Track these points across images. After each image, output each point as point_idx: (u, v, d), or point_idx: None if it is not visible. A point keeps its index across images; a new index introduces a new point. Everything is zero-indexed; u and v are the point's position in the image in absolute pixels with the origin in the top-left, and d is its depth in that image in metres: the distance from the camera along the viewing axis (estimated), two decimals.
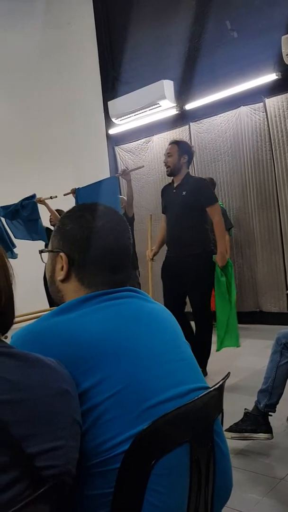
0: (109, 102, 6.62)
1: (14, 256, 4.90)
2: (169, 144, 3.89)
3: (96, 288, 1.06)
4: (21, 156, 6.07)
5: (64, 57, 6.76)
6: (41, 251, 1.24)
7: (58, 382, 0.82)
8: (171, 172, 3.85)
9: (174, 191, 3.86)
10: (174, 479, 0.92)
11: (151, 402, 0.94)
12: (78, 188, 4.86)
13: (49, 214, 5.12)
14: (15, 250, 5.00)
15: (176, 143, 3.89)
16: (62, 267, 1.09)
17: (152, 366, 0.99)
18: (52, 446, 0.75)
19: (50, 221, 5.29)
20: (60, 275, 1.09)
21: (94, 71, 6.89)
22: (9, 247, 4.94)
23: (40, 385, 0.78)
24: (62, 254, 1.09)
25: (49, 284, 1.16)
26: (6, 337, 0.86)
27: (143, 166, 5.45)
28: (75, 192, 4.82)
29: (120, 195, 4.78)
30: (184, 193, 3.76)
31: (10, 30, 6.18)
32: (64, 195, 4.93)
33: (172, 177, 3.91)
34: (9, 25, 6.21)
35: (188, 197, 3.72)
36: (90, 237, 1.07)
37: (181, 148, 3.82)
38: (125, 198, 4.63)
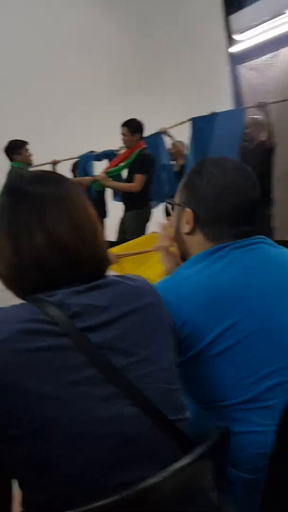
0: (230, 16, 6.15)
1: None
2: None
3: (222, 240, 1.07)
4: (132, 84, 5.90)
5: None
6: (169, 203, 1.29)
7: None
8: None
9: None
10: None
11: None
12: (193, 118, 4.66)
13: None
14: None
15: None
16: (188, 221, 1.11)
17: (286, 307, 1.02)
18: None
19: (170, 154, 5.15)
20: (185, 229, 1.12)
21: None
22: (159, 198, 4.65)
23: None
24: (188, 209, 1.10)
25: (174, 233, 1.19)
26: None
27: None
28: (191, 121, 4.66)
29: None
30: None
31: None
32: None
33: None
34: None
35: None
36: (218, 195, 1.07)
37: None
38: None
